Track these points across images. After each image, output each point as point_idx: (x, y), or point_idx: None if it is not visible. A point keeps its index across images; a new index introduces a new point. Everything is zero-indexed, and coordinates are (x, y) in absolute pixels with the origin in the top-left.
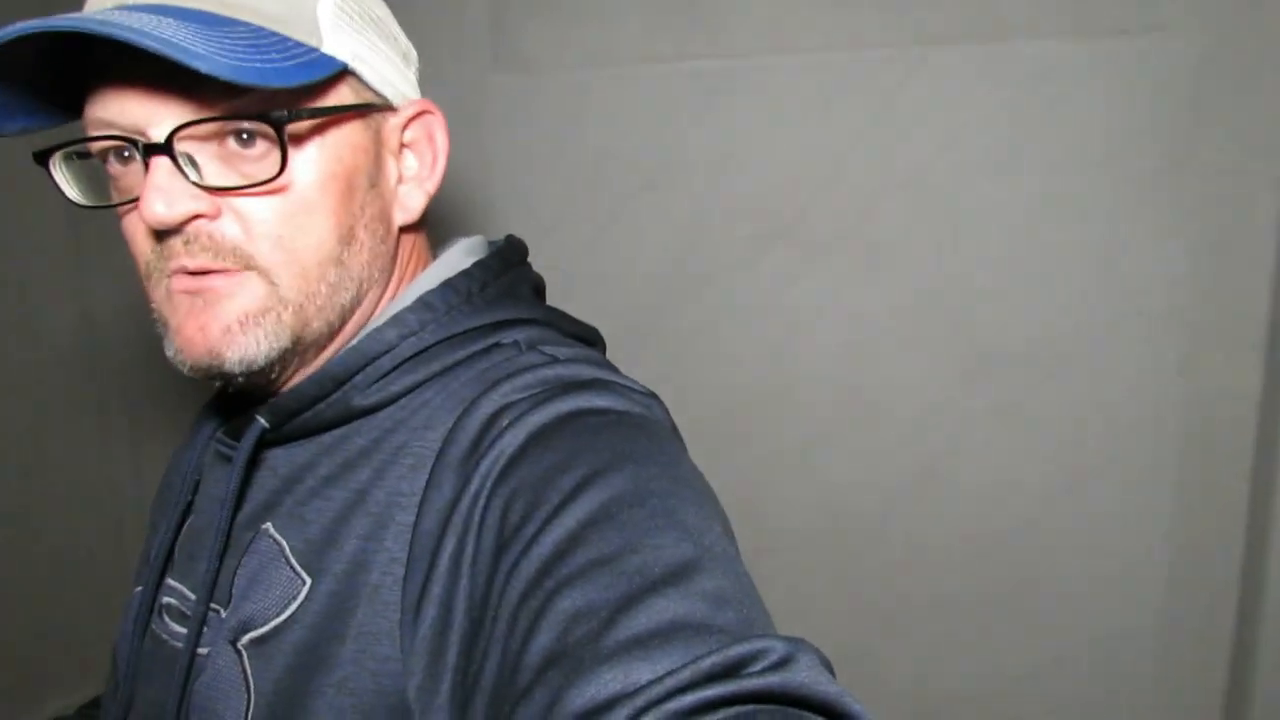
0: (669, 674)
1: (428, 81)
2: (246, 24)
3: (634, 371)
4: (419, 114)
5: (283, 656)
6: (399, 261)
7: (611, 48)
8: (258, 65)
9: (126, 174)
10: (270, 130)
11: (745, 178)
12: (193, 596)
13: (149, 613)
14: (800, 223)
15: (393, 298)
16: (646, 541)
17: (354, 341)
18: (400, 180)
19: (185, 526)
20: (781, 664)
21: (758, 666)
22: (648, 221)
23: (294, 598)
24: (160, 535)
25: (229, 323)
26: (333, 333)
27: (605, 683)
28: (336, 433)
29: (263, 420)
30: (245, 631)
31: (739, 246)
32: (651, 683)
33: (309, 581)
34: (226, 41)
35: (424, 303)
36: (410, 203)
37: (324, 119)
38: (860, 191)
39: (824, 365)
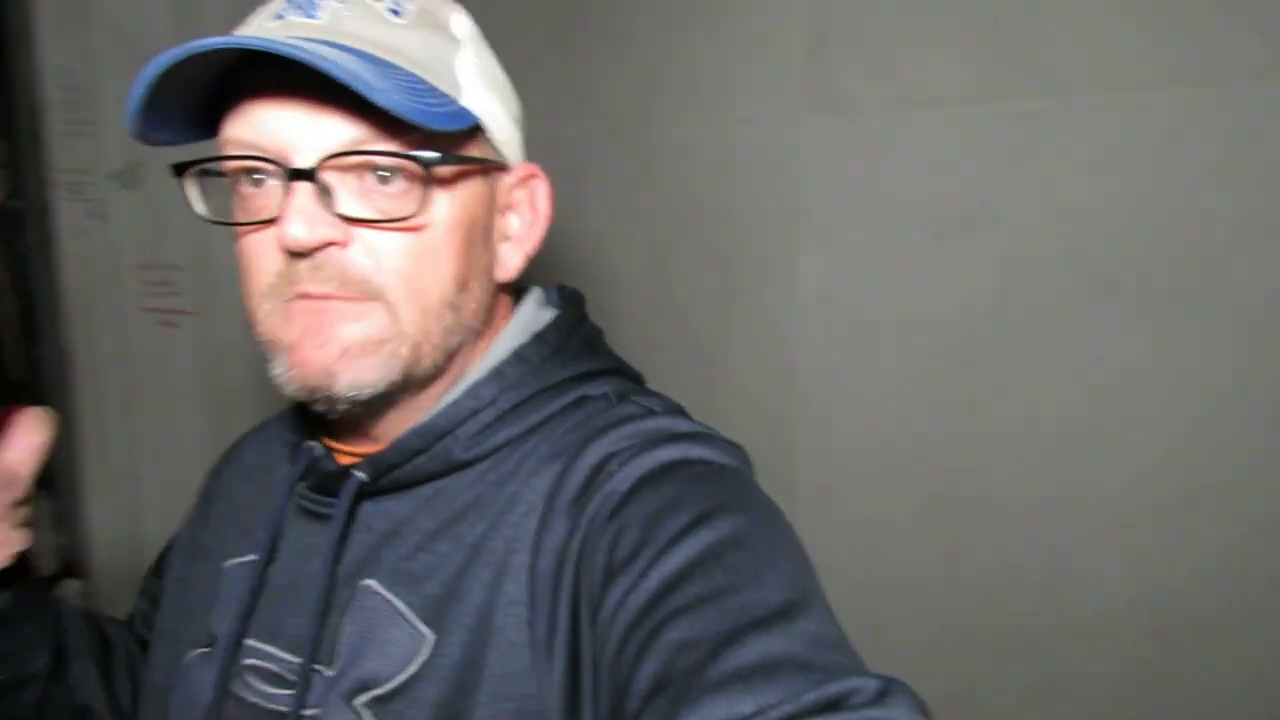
0: (771, 706)
1: (738, 123)
2: (402, 68)
3: (937, 427)
4: (528, 177)
5: (418, 712)
6: (494, 316)
7: (931, 87)
8: (420, 106)
9: (257, 195)
10: (417, 170)
11: (1070, 225)
12: (287, 656)
13: (227, 675)
14: (1132, 274)
15: (484, 351)
16: (751, 583)
17: (452, 395)
18: (504, 238)
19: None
20: (877, 701)
21: (855, 701)
22: (958, 269)
23: (416, 654)
24: (239, 593)
25: (348, 345)
26: (435, 376)
27: (710, 712)
28: (434, 485)
29: (361, 475)
30: (364, 690)
31: (1058, 298)
32: (754, 714)
33: (433, 637)
34: (390, 81)
35: (519, 356)
36: (510, 261)
37: (460, 168)
38: (1208, 241)
39: (1156, 438)
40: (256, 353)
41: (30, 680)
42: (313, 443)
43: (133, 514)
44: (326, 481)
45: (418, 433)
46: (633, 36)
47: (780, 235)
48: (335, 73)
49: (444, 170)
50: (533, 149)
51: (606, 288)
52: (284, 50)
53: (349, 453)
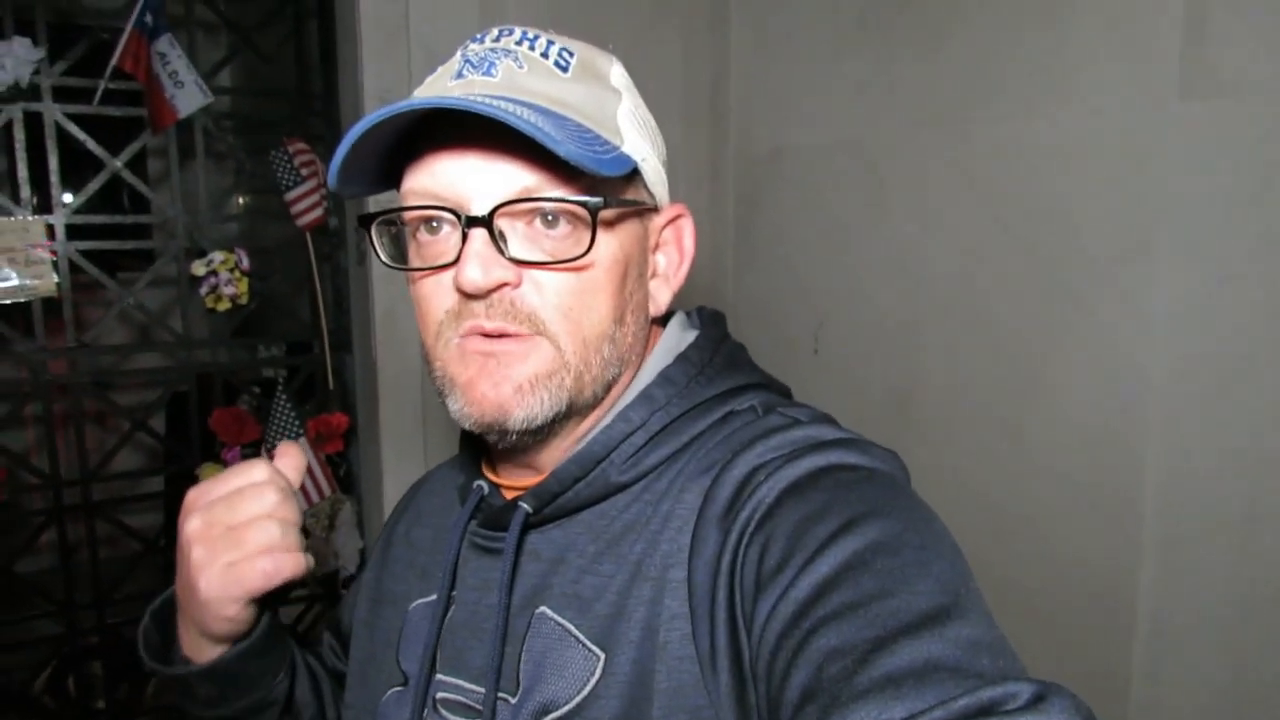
0: (922, 712)
1: (1088, 113)
2: (572, 120)
3: None
4: (676, 217)
5: None
6: (645, 348)
7: None
8: (590, 154)
9: (434, 243)
10: (583, 213)
11: None
12: (474, 687)
13: (422, 710)
14: None
15: (631, 381)
16: (901, 588)
17: (605, 421)
18: (654, 276)
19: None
20: (1033, 706)
21: (1010, 707)
22: None
23: (591, 674)
24: (424, 632)
25: (520, 382)
26: (594, 405)
27: (860, 719)
28: (594, 510)
29: (526, 506)
30: (545, 713)
31: None
32: None
33: (603, 656)
34: (564, 132)
35: (665, 377)
36: (660, 297)
37: (619, 211)
38: None
39: None
40: None
41: (272, 704)
42: (480, 481)
43: None
44: (496, 516)
45: (575, 460)
46: (957, 24)
47: (1129, 238)
48: (524, 128)
49: (607, 213)
50: (832, 150)
51: (909, 296)
52: (482, 109)
53: (513, 487)
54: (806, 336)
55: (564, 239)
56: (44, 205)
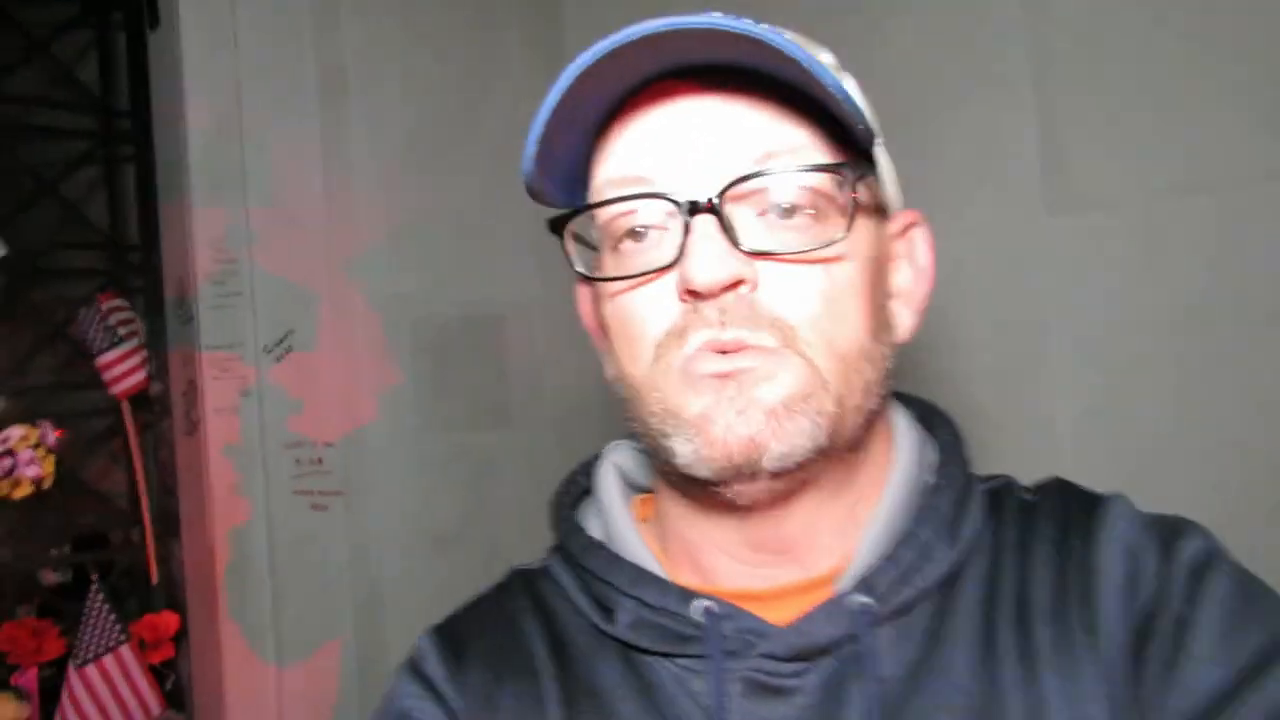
0: None
1: (973, 225)
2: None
3: None
4: (909, 225)
5: None
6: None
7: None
8: (851, 105)
9: (640, 252)
10: (828, 196)
11: None
12: None
13: None
14: None
15: (887, 457)
16: None
17: (897, 477)
18: (892, 295)
19: None
20: None
21: None
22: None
23: None
24: None
25: (773, 406)
26: (853, 448)
27: None
28: (931, 603)
29: (865, 599)
30: None
31: None
32: None
33: None
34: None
35: (934, 511)
36: (902, 320)
37: (866, 197)
38: None
39: None
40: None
41: None
42: (705, 601)
43: None
44: (796, 637)
45: (888, 528)
46: None
47: (1022, 350)
48: (779, 43)
49: (863, 193)
50: None
51: None
52: (726, 25)
53: (748, 595)
54: None
55: (805, 230)
56: None
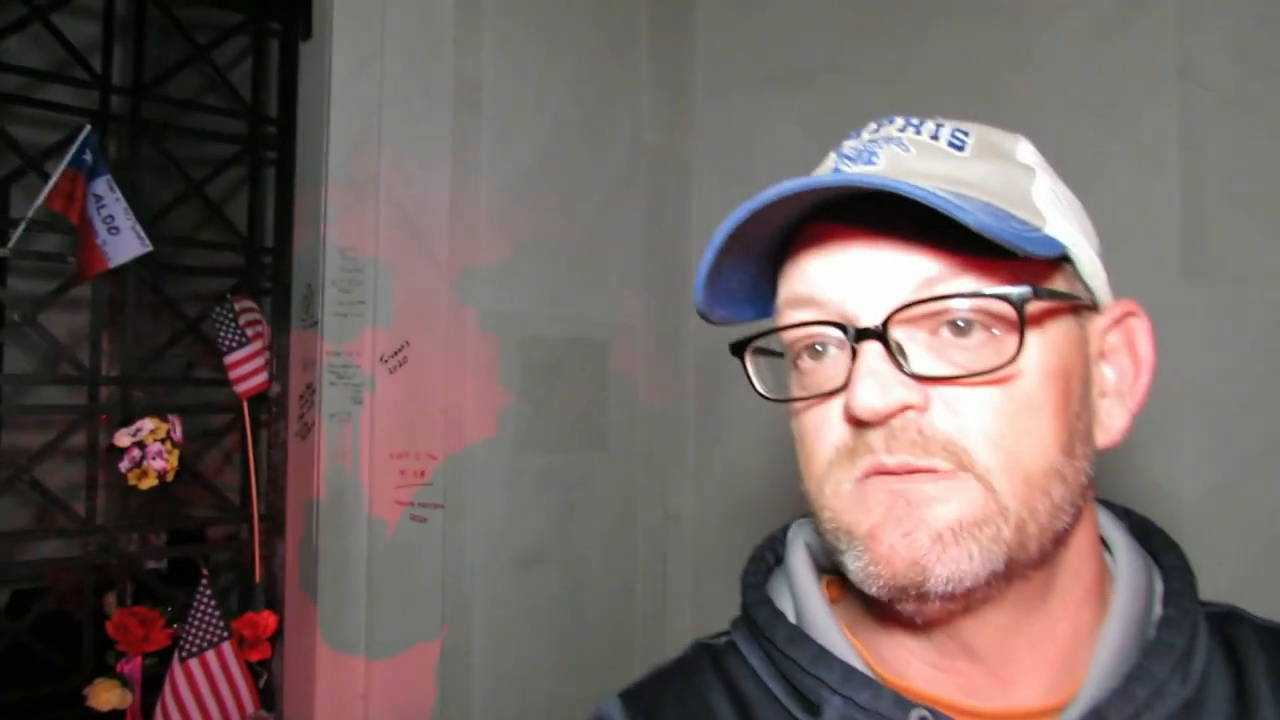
0: None
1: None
2: (977, 199)
3: None
4: (1123, 316)
5: None
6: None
7: None
8: (1009, 229)
9: (818, 369)
10: (1003, 312)
11: None
12: None
13: None
14: None
15: (1092, 541)
16: None
17: (1118, 622)
18: (1102, 394)
19: None
20: None
21: None
22: None
23: None
24: None
25: (940, 529)
26: (1040, 564)
27: None
28: None
29: None
30: None
31: None
32: None
33: None
34: (972, 206)
35: (1164, 645)
36: (1112, 421)
37: (1050, 305)
38: None
39: None
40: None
41: None
42: (923, 711)
43: None
44: None
45: (1131, 639)
46: None
47: (1149, 422)
48: (919, 196)
49: (1035, 308)
50: None
51: None
52: (864, 182)
53: (952, 708)
54: (789, 509)
55: (980, 348)
56: None
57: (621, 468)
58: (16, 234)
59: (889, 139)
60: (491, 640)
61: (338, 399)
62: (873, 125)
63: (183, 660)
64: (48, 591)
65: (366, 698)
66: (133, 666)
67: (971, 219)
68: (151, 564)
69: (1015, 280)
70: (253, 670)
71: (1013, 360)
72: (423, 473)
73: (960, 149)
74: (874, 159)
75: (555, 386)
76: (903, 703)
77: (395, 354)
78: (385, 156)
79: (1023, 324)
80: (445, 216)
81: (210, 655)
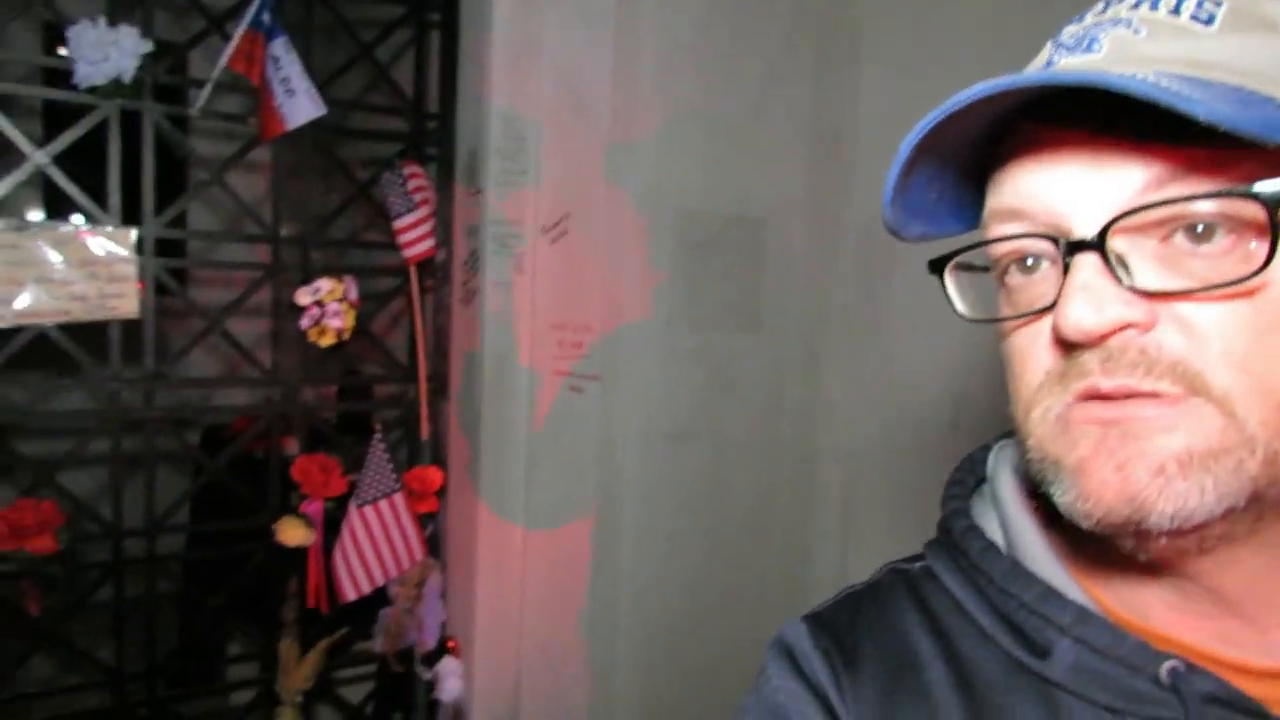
0: None
1: None
2: (1220, 83)
3: None
4: None
5: None
6: None
7: None
8: (1257, 117)
9: (1028, 285)
10: (1251, 214)
11: None
12: None
13: None
14: None
15: None
16: None
17: None
18: None
19: None
20: None
21: None
22: None
23: None
24: None
25: (1162, 461)
26: None
27: None
28: None
29: None
30: None
31: None
32: None
33: None
34: (1207, 94)
35: None
36: None
37: None
38: None
39: None
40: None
41: None
42: (1174, 661)
43: (520, 594)
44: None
45: None
46: None
47: None
48: (1124, 86)
49: None
50: None
51: None
52: (1059, 79)
53: (1204, 655)
54: (944, 410)
55: (1221, 257)
56: (131, 216)
57: (773, 351)
58: (204, 94)
59: (1116, 20)
60: (641, 513)
61: (500, 267)
62: (1100, 5)
63: (359, 506)
64: (238, 435)
65: (524, 554)
66: (314, 509)
67: (1201, 109)
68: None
69: (1267, 176)
70: (421, 521)
71: (1262, 269)
72: (580, 344)
73: (1208, 22)
74: (1095, 45)
75: (710, 264)
76: (1148, 651)
77: (556, 225)
78: (548, 24)
79: (1275, 227)
80: (606, 84)
81: (383, 504)
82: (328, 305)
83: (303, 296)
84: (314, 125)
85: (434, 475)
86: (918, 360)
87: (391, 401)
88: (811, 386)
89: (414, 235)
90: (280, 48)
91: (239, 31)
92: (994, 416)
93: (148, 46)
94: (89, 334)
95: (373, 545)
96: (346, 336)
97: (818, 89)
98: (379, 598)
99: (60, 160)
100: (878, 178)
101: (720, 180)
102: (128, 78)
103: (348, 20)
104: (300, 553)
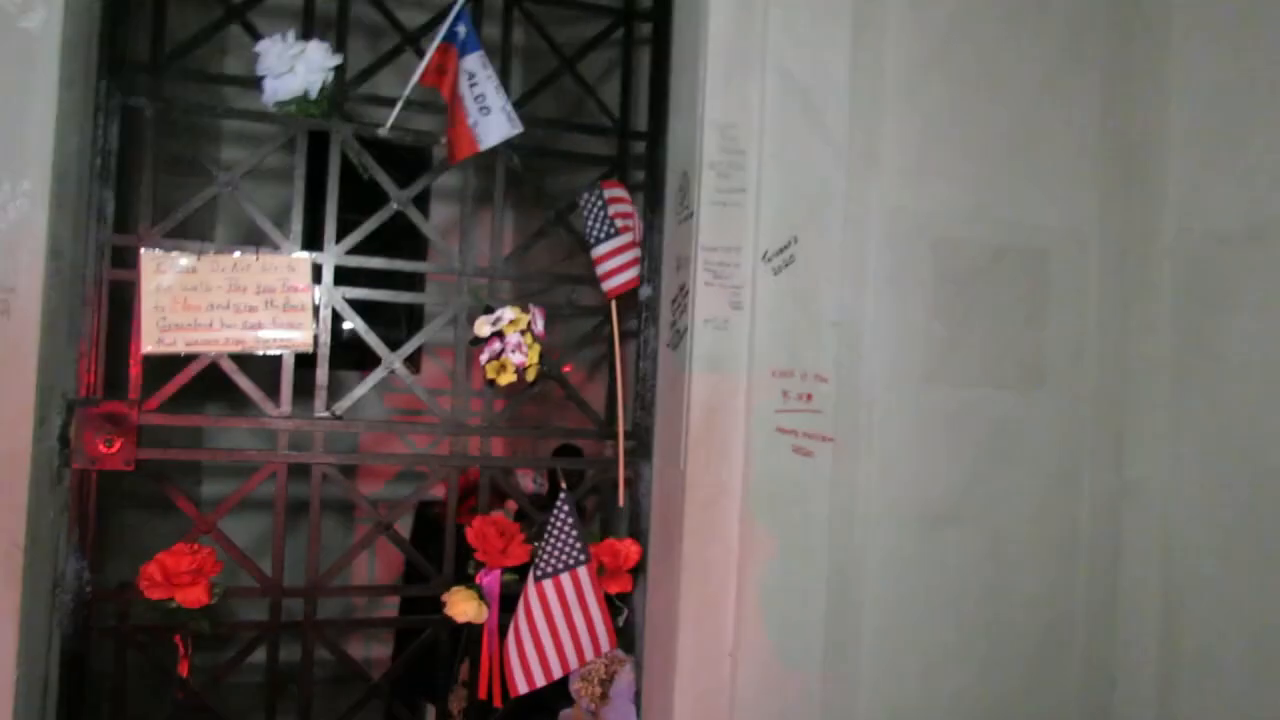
0: None
1: None
2: None
3: None
4: None
5: None
6: None
7: None
8: None
9: None
10: None
11: None
12: None
13: None
14: None
15: None
16: None
17: None
18: None
19: None
20: None
21: None
22: None
23: None
24: None
25: None
26: None
27: None
28: None
29: None
30: None
31: None
32: None
33: None
34: None
35: None
36: None
37: None
38: None
39: None
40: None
41: None
42: None
43: (729, 707)
44: None
45: None
46: None
47: None
48: None
49: None
50: None
51: None
52: None
53: None
54: None
55: None
56: (311, 242)
57: (1063, 412)
58: (395, 111)
59: None
60: (889, 615)
61: (713, 302)
62: None
63: (538, 580)
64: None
65: (735, 655)
66: (490, 579)
67: None
68: (529, 485)
69: None
70: (612, 605)
71: None
72: (809, 396)
73: None
74: None
75: (977, 304)
76: None
77: (780, 251)
78: (772, 22)
79: None
80: (844, 89)
81: (566, 579)
82: (509, 338)
83: (482, 327)
84: (511, 148)
85: (629, 549)
86: (1276, 416)
87: (584, 460)
88: (1115, 462)
89: (614, 265)
90: (475, 62)
91: (433, 44)
92: None
93: (337, 60)
94: (264, 369)
95: (550, 628)
96: (531, 376)
97: (1111, 88)
98: (561, 694)
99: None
100: (1200, 192)
101: (993, 201)
102: (314, 94)
103: (549, 35)
104: (477, 632)
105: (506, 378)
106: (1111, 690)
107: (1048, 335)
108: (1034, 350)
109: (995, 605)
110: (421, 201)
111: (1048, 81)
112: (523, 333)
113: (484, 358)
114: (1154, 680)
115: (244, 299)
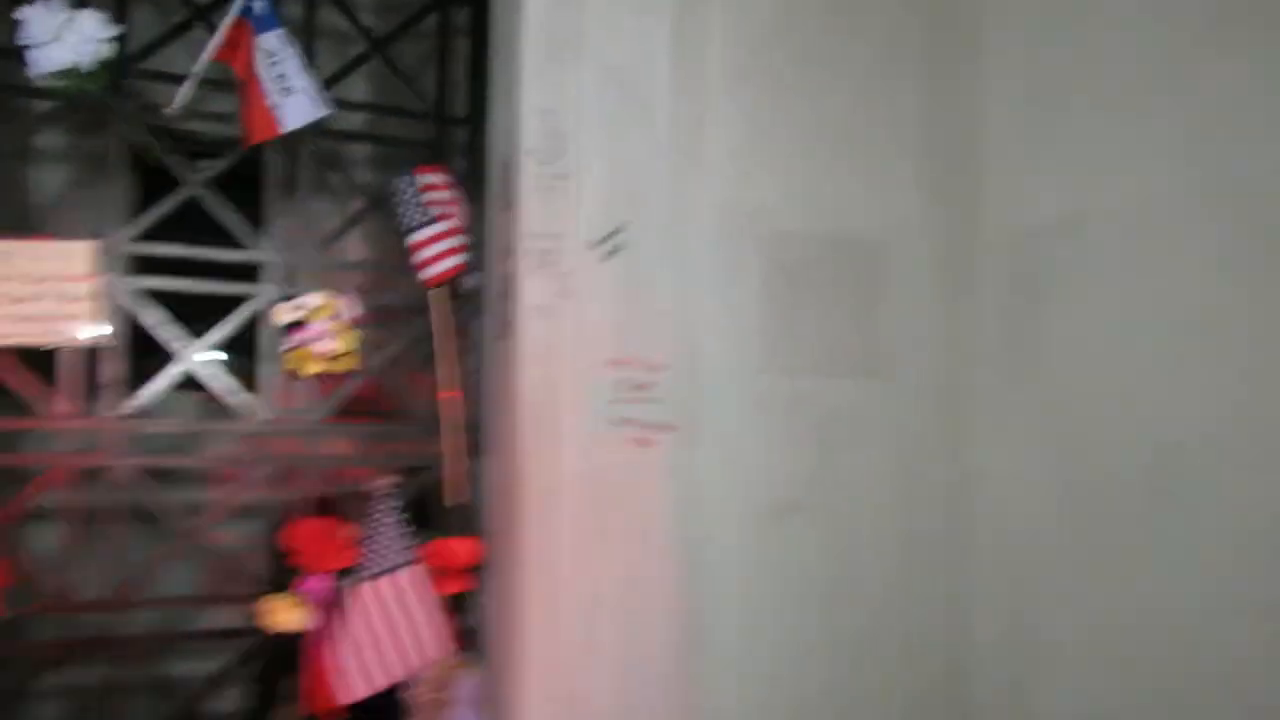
0: None
1: None
2: None
3: None
4: None
5: None
6: None
7: None
8: None
9: None
10: None
11: None
12: None
13: None
14: None
15: None
16: None
17: None
18: None
19: None
20: None
21: None
22: None
23: None
24: None
25: None
26: None
27: None
28: None
29: None
30: None
31: None
32: None
33: None
34: None
35: None
36: None
37: None
38: None
39: None
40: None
41: None
42: None
43: (583, 709)
44: None
45: None
46: None
47: None
48: None
49: None
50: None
51: None
52: None
53: None
54: (1130, 469)
55: None
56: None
57: (903, 403)
58: (183, 90)
59: None
60: (747, 609)
61: (540, 289)
62: None
63: (360, 582)
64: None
65: (587, 657)
66: (314, 585)
67: None
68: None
69: None
70: (453, 607)
71: None
72: (646, 385)
73: None
74: None
75: (807, 295)
76: None
77: (606, 239)
78: (591, 6)
79: None
80: (665, 82)
81: (389, 580)
82: (313, 325)
83: (283, 314)
84: (322, 133)
85: (460, 548)
86: (1096, 404)
87: (409, 457)
88: (954, 450)
89: (431, 253)
90: (274, 40)
91: (226, 19)
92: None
93: (112, 31)
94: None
95: (376, 634)
96: (342, 366)
97: (933, 77)
98: (399, 705)
99: None
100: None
101: (821, 194)
102: (85, 66)
103: (354, 16)
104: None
105: (312, 367)
106: (965, 683)
107: (881, 326)
108: (868, 341)
109: (851, 597)
110: (250, 190)
111: (870, 77)
112: (330, 319)
113: (283, 348)
114: (1001, 667)
115: (15, 289)
